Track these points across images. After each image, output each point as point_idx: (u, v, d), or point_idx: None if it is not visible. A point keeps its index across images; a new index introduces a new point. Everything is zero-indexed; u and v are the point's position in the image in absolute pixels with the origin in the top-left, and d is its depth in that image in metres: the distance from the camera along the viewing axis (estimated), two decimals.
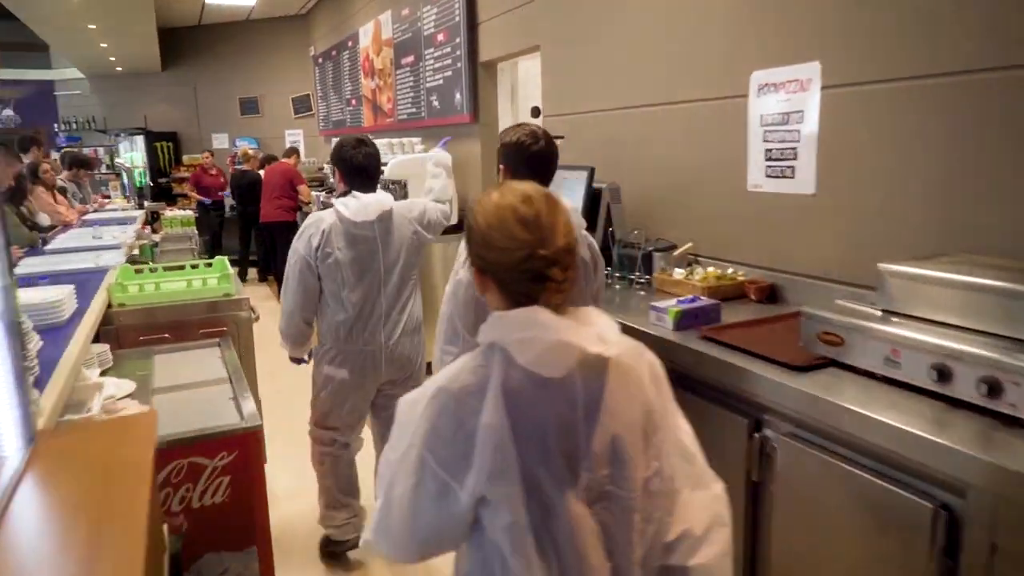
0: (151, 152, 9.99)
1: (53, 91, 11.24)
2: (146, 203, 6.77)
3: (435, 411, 1.04)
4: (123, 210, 6.34)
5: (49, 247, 3.99)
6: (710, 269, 2.50)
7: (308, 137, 9.79)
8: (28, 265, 3.37)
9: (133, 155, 10.08)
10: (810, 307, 1.73)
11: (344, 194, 2.60)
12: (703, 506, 1.13)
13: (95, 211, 6.52)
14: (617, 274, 2.78)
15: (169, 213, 7.00)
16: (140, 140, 9.96)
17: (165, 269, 3.35)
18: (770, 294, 2.37)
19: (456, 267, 1.88)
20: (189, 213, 7.06)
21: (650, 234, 2.78)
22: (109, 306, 2.82)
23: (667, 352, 1.76)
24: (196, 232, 6.97)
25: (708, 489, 1.14)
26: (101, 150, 10.58)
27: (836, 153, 2.12)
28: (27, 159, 5.89)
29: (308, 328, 2.62)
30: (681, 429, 1.16)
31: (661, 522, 1.10)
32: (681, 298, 2.18)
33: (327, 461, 2.67)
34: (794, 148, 2.27)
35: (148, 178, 9.95)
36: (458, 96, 4.59)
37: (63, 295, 2.21)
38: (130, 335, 2.84)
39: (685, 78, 2.71)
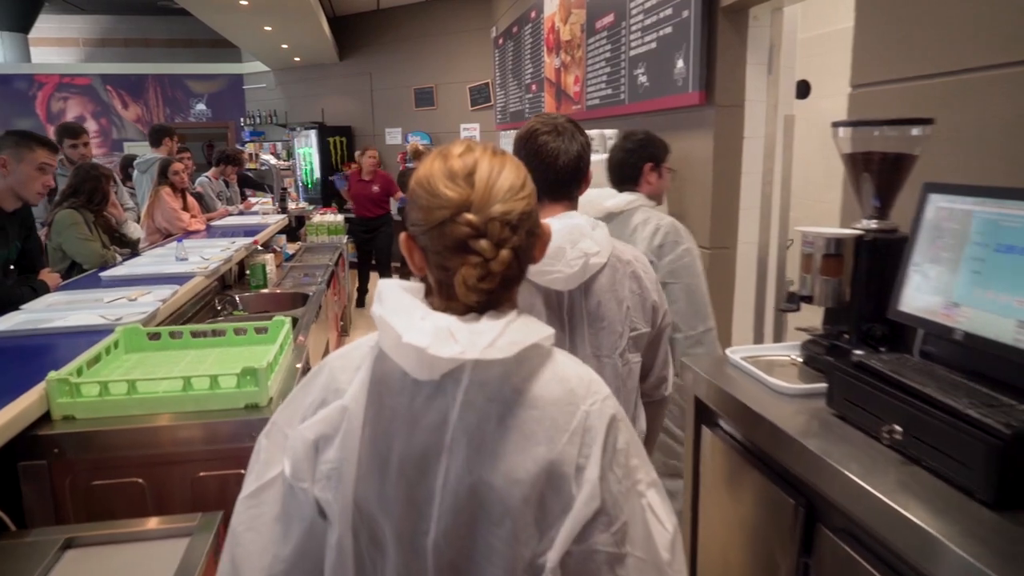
0: (323, 147, 9.35)
1: (242, 85, 11.11)
2: (291, 205, 5.86)
3: (307, 380, 0.90)
4: (263, 214, 5.44)
5: (108, 273, 2.95)
6: None
7: (484, 132, 8.58)
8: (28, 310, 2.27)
9: (307, 150, 9.52)
10: None
11: None
12: None
13: (239, 214, 5.71)
14: None
15: (317, 218, 6.05)
16: (313, 135, 9.35)
17: (193, 336, 2.09)
18: None
19: None
20: (339, 218, 6.07)
21: None
22: (48, 419, 1.58)
23: None
24: (345, 241, 5.99)
25: None
26: (279, 144, 10.19)
27: None
28: (157, 153, 5.13)
29: None
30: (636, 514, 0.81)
31: None
32: None
33: None
34: None
35: (318, 175, 9.33)
36: (680, 64, 2.96)
37: None
38: (79, 476, 1.57)
39: None
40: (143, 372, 1.87)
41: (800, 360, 1.69)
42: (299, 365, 2.09)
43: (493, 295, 0.82)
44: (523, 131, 1.45)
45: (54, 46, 12.15)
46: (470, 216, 0.78)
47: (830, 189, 4.75)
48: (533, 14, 5.60)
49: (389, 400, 0.82)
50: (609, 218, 2.22)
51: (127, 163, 5.66)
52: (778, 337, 3.10)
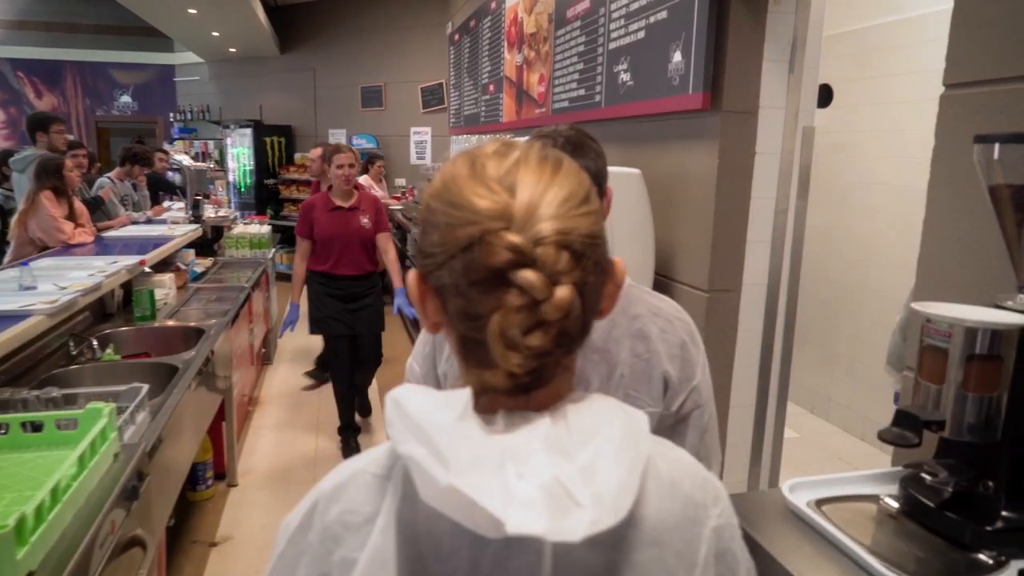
0: (259, 147, 8.52)
1: (173, 77, 10.18)
2: (211, 213, 5.07)
3: (286, 539, 0.62)
4: (172, 224, 4.64)
5: None
6: None
7: (436, 136, 7.91)
8: None
9: (241, 150, 8.68)
10: None
11: None
12: None
13: (145, 222, 4.89)
14: None
15: (239, 229, 5.27)
16: (250, 133, 8.52)
17: None
18: None
19: None
20: (264, 229, 5.29)
21: None
22: None
23: None
24: (271, 256, 5.21)
25: None
26: (212, 143, 9.32)
27: None
28: (36, 148, 4.30)
29: None
30: None
31: None
32: None
33: None
34: None
35: (253, 178, 8.51)
36: (677, 58, 2.34)
37: None
38: None
39: None
40: None
41: (897, 506, 1.08)
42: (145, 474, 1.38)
43: (548, 363, 0.54)
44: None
45: None
46: (511, 235, 0.52)
47: (860, 218, 4.24)
48: (493, 5, 4.96)
49: (438, 568, 0.55)
50: None
51: (2, 160, 4.77)
52: (783, 396, 2.52)
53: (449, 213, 0.55)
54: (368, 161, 6.60)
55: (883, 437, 0.98)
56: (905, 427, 0.96)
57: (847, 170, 4.05)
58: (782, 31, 2.19)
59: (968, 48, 1.35)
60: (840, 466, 3.82)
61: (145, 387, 1.92)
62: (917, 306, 0.98)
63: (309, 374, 4.92)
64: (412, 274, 0.61)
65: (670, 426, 1.17)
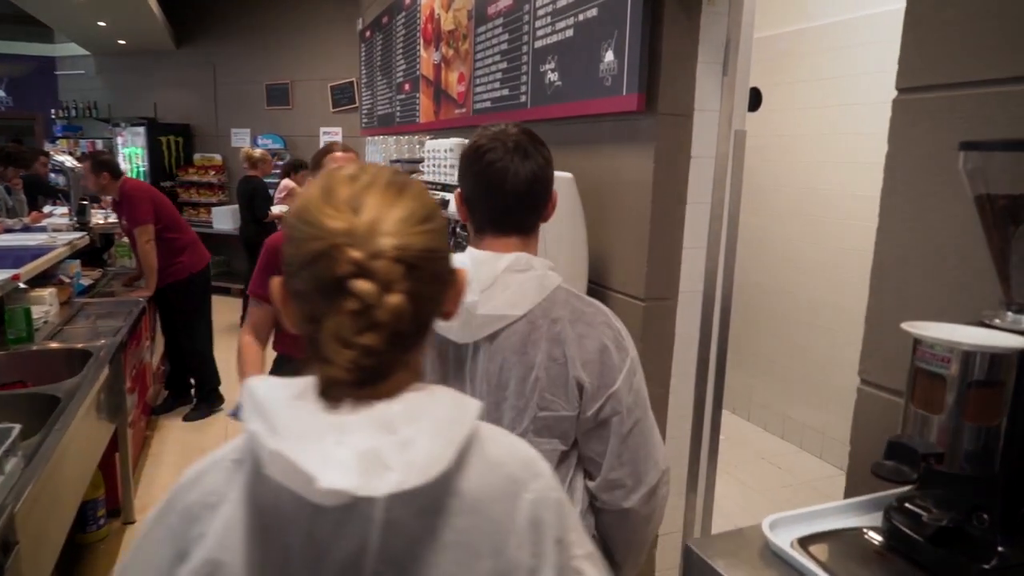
0: (154, 147, 7.95)
1: (54, 70, 9.37)
2: (99, 219, 4.62)
3: (150, 524, 0.69)
4: (54, 230, 4.19)
5: None
6: None
7: (347, 137, 7.61)
8: None
9: (134, 150, 8.08)
10: None
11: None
12: None
13: (21, 230, 4.40)
14: None
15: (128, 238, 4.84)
16: (143, 132, 7.93)
17: None
18: None
19: None
20: None
21: None
22: None
23: None
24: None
25: None
26: (100, 143, 8.63)
27: None
28: None
29: None
30: None
31: None
32: None
33: None
34: None
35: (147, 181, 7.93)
36: (609, 58, 2.25)
37: None
38: None
39: None
40: None
41: (881, 540, 1.01)
42: None
43: (384, 360, 0.63)
44: (467, 148, 1.24)
45: None
46: (352, 250, 0.62)
47: (772, 221, 4.31)
48: (408, 0, 4.77)
49: (279, 537, 0.63)
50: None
51: None
52: (718, 402, 2.47)
53: (303, 230, 0.64)
54: (292, 167, 5.92)
55: (877, 473, 0.89)
56: (901, 461, 0.88)
57: (760, 174, 4.12)
58: (716, 32, 2.14)
59: (923, 52, 1.30)
60: (765, 466, 3.87)
61: (17, 428, 1.65)
62: (908, 327, 0.90)
63: (190, 417, 4.30)
64: (276, 280, 0.68)
65: (589, 430, 1.16)
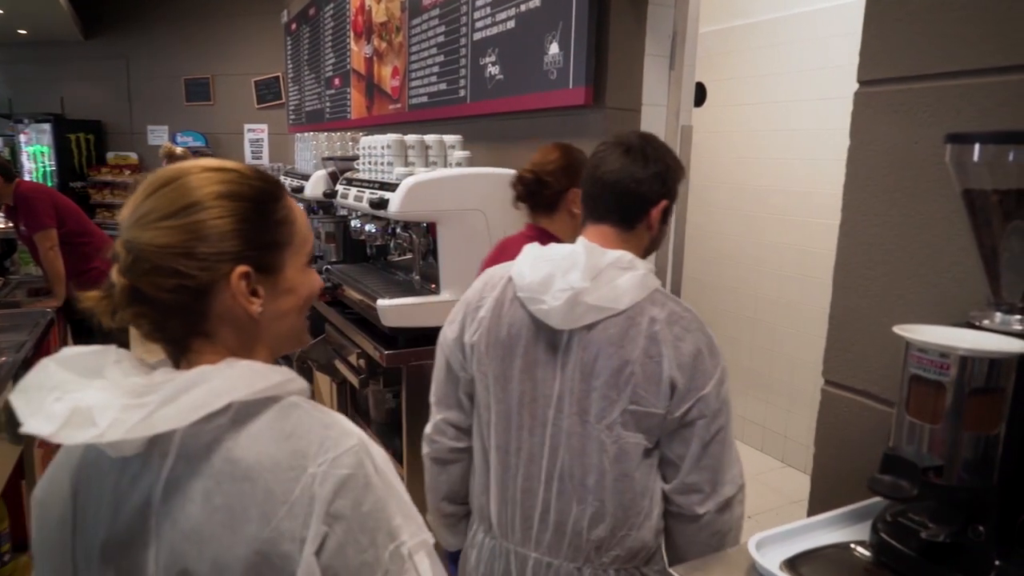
0: (62, 146, 7.44)
1: None
2: None
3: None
4: None
5: None
6: None
7: (273, 134, 7.31)
8: None
9: (39, 148, 7.54)
10: None
11: None
12: None
13: None
14: None
15: None
16: (49, 129, 7.40)
17: None
18: None
19: None
20: None
21: None
22: None
23: None
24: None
25: None
26: (1, 140, 8.01)
27: None
28: None
29: None
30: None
31: None
32: None
33: None
34: None
35: (55, 181, 7.41)
36: (554, 50, 2.17)
37: None
38: None
39: None
40: None
41: (869, 555, 0.95)
42: None
43: (167, 334, 0.76)
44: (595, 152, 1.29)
45: None
46: (118, 238, 0.74)
47: (734, 221, 4.32)
48: None
49: (97, 485, 0.75)
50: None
51: None
52: None
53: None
54: None
55: (875, 489, 0.83)
56: (900, 476, 0.82)
57: (697, 171, 4.13)
58: (663, 25, 2.08)
59: (886, 43, 1.26)
60: None
61: None
62: (899, 330, 0.85)
63: None
64: None
65: (674, 431, 1.18)
